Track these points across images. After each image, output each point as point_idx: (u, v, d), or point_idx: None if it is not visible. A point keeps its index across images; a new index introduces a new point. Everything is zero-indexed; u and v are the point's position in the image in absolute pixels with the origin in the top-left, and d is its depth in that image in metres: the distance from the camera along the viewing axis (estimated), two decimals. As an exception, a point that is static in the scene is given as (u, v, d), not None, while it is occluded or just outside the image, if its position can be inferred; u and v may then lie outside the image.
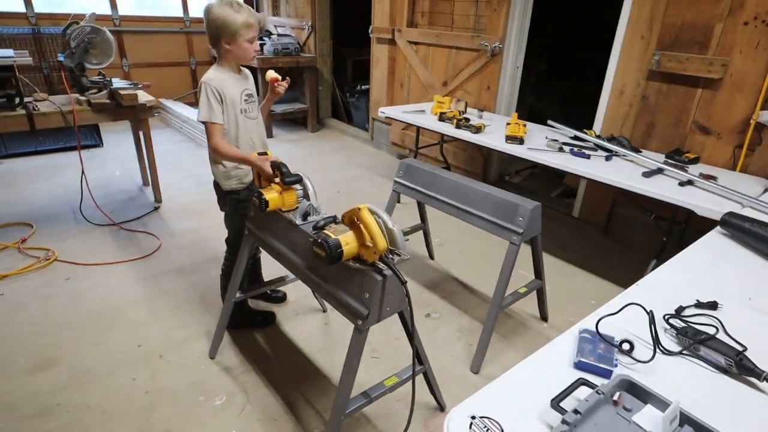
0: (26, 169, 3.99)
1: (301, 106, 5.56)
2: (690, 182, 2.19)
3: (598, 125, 3.11)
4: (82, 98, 2.99)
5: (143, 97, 3.01)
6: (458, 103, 3.46)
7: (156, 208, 3.33)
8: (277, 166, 1.61)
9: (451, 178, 2.14)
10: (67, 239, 2.87)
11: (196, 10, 6.03)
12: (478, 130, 2.91)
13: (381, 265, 1.28)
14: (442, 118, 3.18)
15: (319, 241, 1.27)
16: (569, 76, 5.82)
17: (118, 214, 3.23)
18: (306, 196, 1.63)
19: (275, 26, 6.08)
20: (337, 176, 4.15)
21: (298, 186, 1.63)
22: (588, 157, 2.52)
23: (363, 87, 5.38)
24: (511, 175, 4.34)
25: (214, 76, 1.80)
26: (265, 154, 1.71)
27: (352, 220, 1.30)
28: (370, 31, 4.60)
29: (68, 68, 3.00)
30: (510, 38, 3.43)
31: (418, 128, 3.48)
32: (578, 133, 2.86)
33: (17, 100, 2.80)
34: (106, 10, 5.41)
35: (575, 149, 2.61)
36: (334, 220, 1.39)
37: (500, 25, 3.38)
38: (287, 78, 1.98)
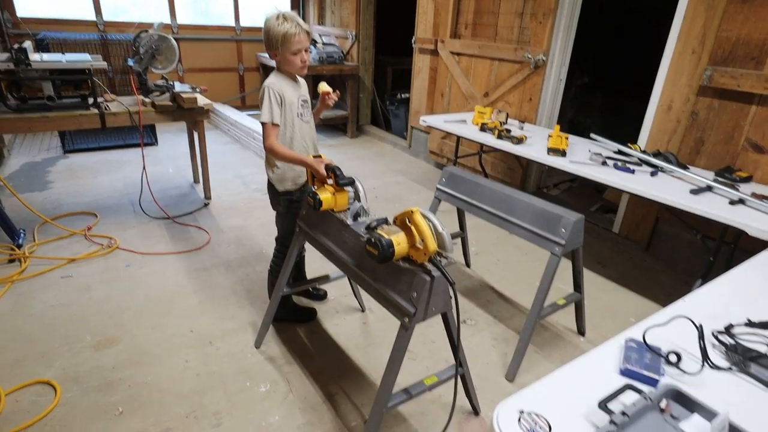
0: (90, 164, 4.30)
1: (342, 112, 5.72)
2: (741, 201, 2.16)
3: (643, 140, 3.08)
4: (147, 100, 3.22)
5: (201, 100, 3.21)
6: (499, 114, 3.50)
7: (206, 205, 3.53)
8: (331, 168, 1.71)
9: (494, 187, 2.19)
10: (127, 229, 3.09)
11: (247, 20, 6.32)
12: (519, 141, 2.94)
13: (429, 266, 1.35)
14: (483, 128, 3.23)
15: (373, 240, 1.35)
16: (611, 89, 5.75)
17: (172, 208, 3.43)
18: (357, 198, 1.73)
19: (320, 35, 6.29)
20: (376, 182, 4.26)
21: (350, 188, 1.72)
22: (632, 171, 2.51)
23: (403, 95, 5.49)
24: (548, 187, 4.32)
25: (274, 80, 1.94)
26: (320, 156, 1.82)
27: (404, 222, 1.38)
28: (413, 42, 4.71)
29: (136, 72, 3.24)
30: (554, 51, 3.45)
31: (459, 138, 3.54)
32: (622, 148, 2.84)
33: (91, 100, 3.05)
34: (166, 18, 5.76)
35: (619, 163, 2.61)
36: (385, 221, 1.47)
37: (545, 37, 3.40)
38: (337, 91, 2.08)
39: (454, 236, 2.74)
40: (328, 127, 6.00)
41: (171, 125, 5.43)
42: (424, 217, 1.35)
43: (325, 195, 1.67)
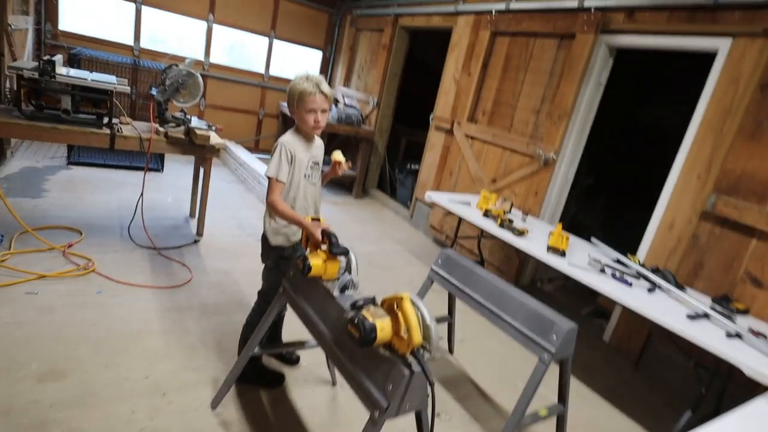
0: (91, 179, 4.27)
1: (351, 173, 5.79)
2: (738, 335, 2.09)
3: (642, 252, 3.07)
4: (161, 129, 3.25)
5: (214, 138, 3.24)
6: (504, 203, 3.52)
7: (196, 242, 3.45)
8: (327, 234, 1.66)
9: (489, 278, 2.13)
10: (109, 253, 2.99)
11: (276, 70, 6.60)
12: (521, 233, 2.93)
13: (411, 359, 1.26)
14: (487, 214, 3.23)
15: (356, 321, 1.27)
16: (615, 193, 5.88)
17: (161, 239, 3.35)
18: (348, 269, 1.66)
19: (343, 96, 6.53)
20: (372, 247, 4.21)
21: (342, 258, 1.66)
22: (630, 284, 2.47)
23: (412, 166, 5.59)
24: (542, 281, 4.26)
25: (289, 139, 1.95)
26: (318, 220, 1.78)
27: (391, 307, 1.30)
28: (431, 118, 4.86)
29: (157, 101, 3.29)
30: (565, 151, 3.54)
31: (461, 219, 3.53)
32: (621, 257, 2.82)
33: (105, 120, 3.07)
34: (200, 56, 6.00)
35: (617, 273, 2.57)
36: (373, 301, 1.40)
37: (557, 137, 3.51)
38: (349, 162, 2.10)
39: (440, 320, 2.64)
40: (335, 184, 6.05)
41: (182, 156, 5.48)
42: (414, 305, 1.28)
43: (316, 261, 1.61)
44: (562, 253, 2.71)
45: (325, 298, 1.59)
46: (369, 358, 1.34)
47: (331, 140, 6.05)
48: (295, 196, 1.97)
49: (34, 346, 2.05)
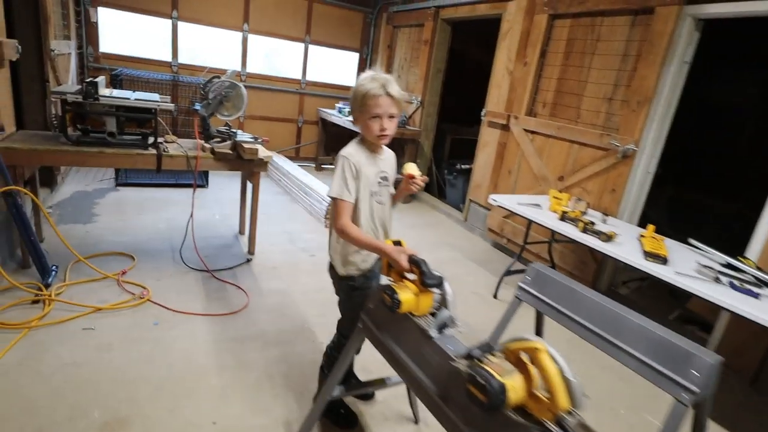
0: (137, 199, 4.20)
1: (397, 176, 5.53)
2: None
3: (753, 253, 2.65)
4: (207, 145, 3.10)
5: (262, 152, 3.05)
6: (578, 203, 3.17)
7: (248, 261, 3.28)
8: (415, 261, 1.40)
9: (595, 298, 1.81)
10: (162, 278, 2.85)
11: (313, 75, 6.43)
12: (608, 238, 2.58)
13: (553, 428, 0.98)
14: (564, 217, 2.89)
15: (479, 379, 1.00)
16: (685, 181, 5.36)
17: (212, 260, 3.20)
18: (443, 303, 1.40)
19: (383, 97, 6.28)
20: (429, 256, 3.87)
21: (436, 289, 1.40)
22: (756, 296, 2.08)
23: (463, 166, 5.28)
24: (617, 285, 3.86)
25: (353, 151, 1.69)
26: (399, 243, 1.53)
27: (519, 359, 1.03)
28: (482, 114, 4.54)
29: (201, 116, 3.15)
30: (645, 142, 3.15)
31: (530, 222, 3.20)
32: (733, 261, 2.43)
33: (151, 139, 2.95)
34: (237, 66, 5.91)
35: (736, 282, 2.19)
36: (490, 349, 1.13)
37: (637, 127, 3.12)
38: (425, 176, 1.78)
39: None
40: (378, 187, 5.81)
41: (223, 168, 5.40)
42: (553, 359, 1.00)
43: (407, 295, 1.35)
44: (664, 260, 2.35)
45: (421, 340, 1.34)
46: (494, 423, 1.07)
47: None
48: (359, 217, 1.70)
49: (95, 389, 1.90)
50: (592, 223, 2.76)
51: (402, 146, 5.55)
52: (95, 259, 2.95)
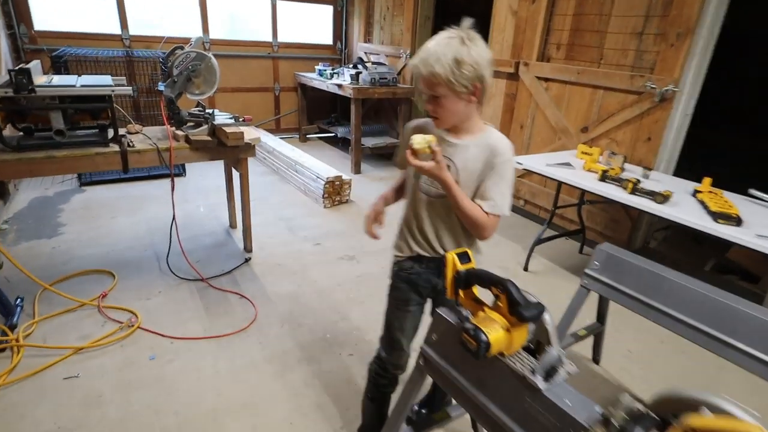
0: (108, 200, 3.70)
1: (393, 140, 5.08)
2: None
3: (821, 199, 2.35)
4: (180, 133, 2.60)
5: (248, 134, 2.58)
6: (613, 158, 2.81)
7: (247, 260, 2.87)
8: (499, 282, 1.03)
9: (690, 285, 1.48)
10: (151, 297, 2.44)
11: (285, 36, 5.77)
12: (664, 199, 2.24)
13: None
14: (605, 177, 2.53)
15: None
16: (722, 124, 4.92)
17: (206, 264, 2.79)
18: (542, 335, 1.04)
19: (366, 53, 5.71)
20: (444, 229, 3.56)
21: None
22: None
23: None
24: (649, 240, 3.59)
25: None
26: (468, 258, 1.14)
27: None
28: (484, 64, 4.05)
29: (167, 99, 2.63)
30: (685, 80, 2.76)
31: (560, 184, 2.84)
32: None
33: (110, 132, 2.44)
34: (197, 33, 5.22)
35: (827, 240, 1.88)
36: (652, 421, 0.78)
37: (677, 63, 2.72)
38: (436, 147, 1.22)
39: (590, 331, 2.01)
40: (374, 156, 5.36)
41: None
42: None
43: (497, 334, 0.98)
44: (737, 221, 2.02)
45: (521, 390, 0.98)
46: None
47: (370, 109, 5.32)
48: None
49: (88, 460, 1.54)
50: (639, 181, 2.41)
51: (394, 108, 5.06)
52: (68, 282, 2.51)
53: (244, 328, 2.23)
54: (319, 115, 6.13)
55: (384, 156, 5.41)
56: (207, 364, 1.98)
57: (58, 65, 3.82)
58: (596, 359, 2.17)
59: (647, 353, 2.27)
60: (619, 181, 2.46)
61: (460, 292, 1.14)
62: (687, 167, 3.09)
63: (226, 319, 2.30)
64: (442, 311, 1.19)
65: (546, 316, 1.04)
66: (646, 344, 2.33)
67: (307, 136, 6.09)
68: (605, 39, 3.12)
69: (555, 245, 3.28)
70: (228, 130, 2.48)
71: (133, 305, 2.35)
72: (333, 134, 5.83)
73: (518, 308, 0.97)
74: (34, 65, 2.24)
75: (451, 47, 1.16)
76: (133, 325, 2.18)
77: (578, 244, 3.39)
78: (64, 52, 4.04)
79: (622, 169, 2.70)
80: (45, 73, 3.15)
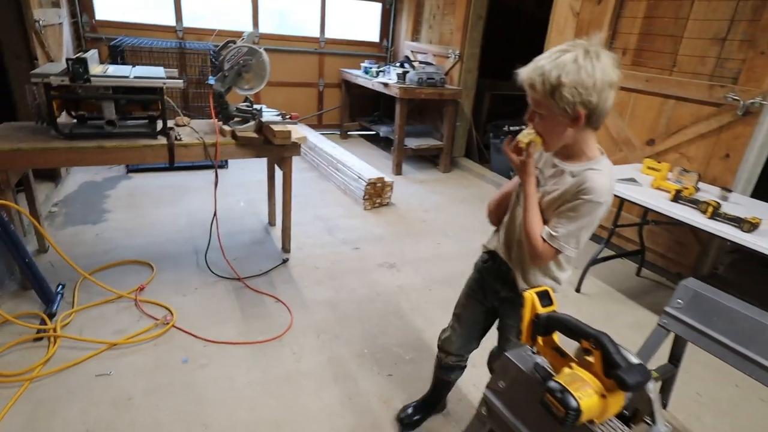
0: (152, 189, 3.72)
1: (436, 142, 4.92)
2: None
3: None
4: (226, 128, 2.55)
5: (295, 133, 2.49)
6: (686, 175, 2.55)
7: (284, 261, 2.79)
8: (596, 340, 0.87)
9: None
10: (187, 293, 2.40)
11: (333, 32, 5.70)
12: (753, 227, 1.99)
13: None
14: (678, 198, 2.29)
15: None
16: None
17: (243, 262, 2.73)
18: (646, 409, 0.87)
19: (412, 52, 5.56)
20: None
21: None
22: None
23: (511, 128, 4.60)
24: (718, 267, 3.28)
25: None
26: (548, 298, 0.99)
27: None
28: (541, 67, 3.83)
29: (217, 93, 2.58)
30: (775, 93, 2.47)
31: (623, 202, 2.61)
32: None
33: (159, 124, 2.41)
34: (248, 27, 5.23)
35: None
36: None
37: (767, 74, 2.43)
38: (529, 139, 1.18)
39: (663, 373, 1.80)
40: (415, 157, 5.22)
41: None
42: None
43: (589, 399, 0.82)
44: (842, 258, 1.76)
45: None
46: None
47: (413, 109, 5.17)
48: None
49: (115, 466, 1.48)
50: (718, 205, 2.16)
51: (440, 109, 4.89)
52: (109, 272, 2.51)
53: (279, 336, 2.15)
54: (361, 112, 6.04)
55: (426, 158, 5.26)
56: (240, 373, 1.91)
57: (115, 54, 3.88)
58: (665, 403, 1.95)
59: (720, 398, 2.03)
60: (695, 203, 2.22)
61: (539, 339, 0.99)
62: (766, 189, 2.80)
63: (261, 323, 2.23)
64: (512, 356, 1.04)
65: (651, 384, 0.88)
66: (719, 387, 2.09)
67: (348, 133, 6.01)
68: (680, 44, 2.85)
69: (609, 266, 3.04)
70: (275, 128, 2.41)
71: (170, 300, 2.31)
72: (374, 132, 5.72)
73: (618, 373, 0.81)
74: (91, 55, 2.24)
75: (562, 63, 1.04)
76: (168, 323, 2.13)
77: (635, 265, 3.13)
78: (122, 41, 4.11)
79: (696, 189, 2.45)
80: (102, 62, 3.19)
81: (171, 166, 2.38)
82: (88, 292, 2.31)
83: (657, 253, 3.06)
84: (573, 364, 0.92)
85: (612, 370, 0.84)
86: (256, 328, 2.18)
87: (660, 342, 1.58)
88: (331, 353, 2.07)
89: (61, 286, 2.26)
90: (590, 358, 0.92)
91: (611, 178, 1.11)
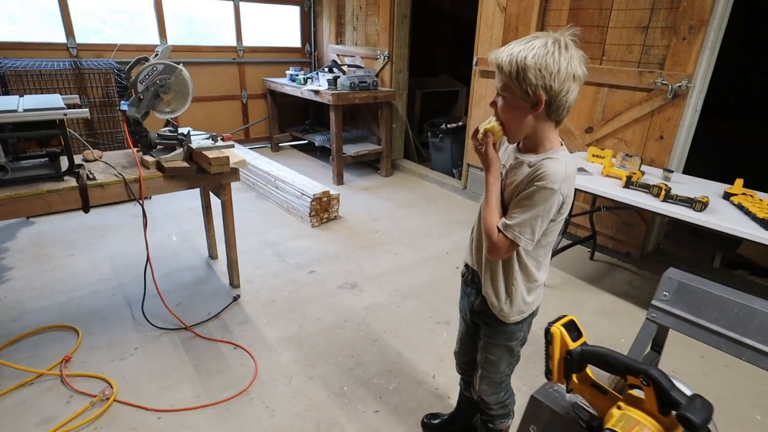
0: (61, 233, 3.22)
1: (375, 147, 4.78)
2: None
3: None
4: (149, 158, 2.21)
5: (233, 157, 2.22)
6: (629, 160, 2.63)
7: (236, 299, 2.51)
8: (647, 376, 0.76)
9: (788, 318, 1.28)
10: (126, 356, 2.05)
11: (251, 40, 5.35)
12: (703, 206, 2.06)
13: None
14: (629, 184, 2.34)
15: None
16: (731, 118, 4.74)
17: (187, 307, 2.41)
18: (707, 440, 0.78)
19: (338, 55, 5.38)
20: (447, 243, 3.31)
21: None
22: None
23: (449, 126, 4.60)
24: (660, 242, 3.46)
25: None
26: (577, 329, 0.88)
27: None
28: (474, 63, 3.83)
29: (132, 119, 2.23)
30: (697, 75, 2.61)
31: (576, 191, 2.63)
32: None
33: (65, 164, 2.03)
34: (154, 39, 4.74)
35: None
36: None
37: (690, 58, 2.57)
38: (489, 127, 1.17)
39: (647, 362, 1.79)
40: (355, 164, 5.05)
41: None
42: None
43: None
44: (792, 229, 1.86)
45: None
46: None
47: (346, 114, 5.00)
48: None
49: None
50: (669, 188, 2.22)
51: (373, 112, 4.77)
52: (20, 345, 2.08)
53: (245, 389, 1.89)
54: (290, 122, 5.76)
55: (366, 164, 5.11)
56: (206, 444, 1.64)
57: (-6, 82, 3.30)
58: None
59: (691, 372, 2.09)
60: (647, 188, 2.27)
61: (573, 377, 0.88)
62: (696, 164, 2.98)
63: (222, 378, 1.95)
64: (541, 396, 0.92)
65: (712, 427, 0.79)
66: (688, 360, 2.15)
67: (280, 145, 5.70)
68: (606, 34, 2.94)
69: (565, 254, 3.09)
70: (209, 154, 2.12)
71: (105, 369, 1.95)
72: (307, 142, 5.47)
73: (684, 413, 0.71)
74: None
75: (531, 47, 1.04)
76: (108, 398, 1.79)
77: (587, 250, 3.22)
78: (2, 64, 3.51)
79: (642, 173, 2.52)
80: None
81: (86, 212, 2.00)
82: (0, 375, 1.89)
83: (606, 236, 3.16)
84: (621, 404, 0.82)
85: (672, 408, 0.75)
86: (216, 385, 1.91)
87: (651, 336, 1.57)
88: (308, 399, 1.85)
89: (-42, 375, 1.83)
90: (635, 392, 0.82)
91: (567, 167, 1.09)
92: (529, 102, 1.06)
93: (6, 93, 3.40)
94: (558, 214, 1.12)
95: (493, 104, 1.13)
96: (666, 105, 2.71)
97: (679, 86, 2.61)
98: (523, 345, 1.35)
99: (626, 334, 2.31)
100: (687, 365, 2.14)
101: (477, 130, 1.15)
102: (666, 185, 2.22)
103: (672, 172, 2.51)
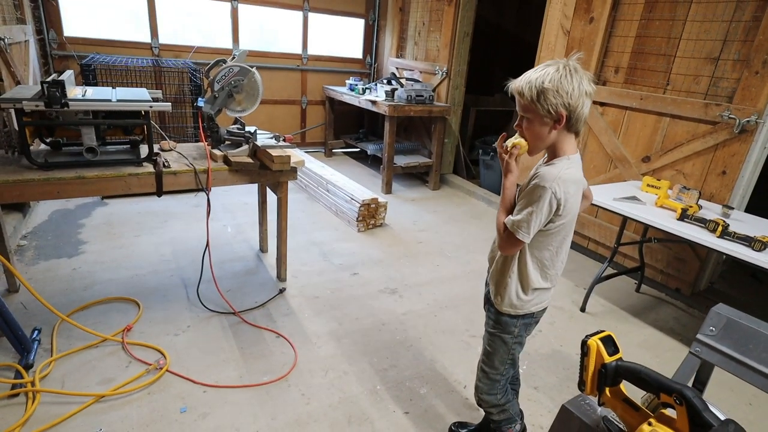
0: (130, 215, 3.50)
1: (425, 160, 4.86)
2: None
3: None
4: (218, 152, 2.40)
5: (294, 157, 2.37)
6: (686, 193, 2.55)
7: (281, 291, 2.64)
8: (680, 396, 0.78)
9: None
10: (180, 332, 2.22)
11: (315, 49, 5.62)
12: (763, 246, 1.98)
13: None
14: (684, 216, 2.28)
15: None
16: None
17: (237, 294, 2.57)
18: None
19: (397, 68, 5.53)
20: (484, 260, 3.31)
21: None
22: None
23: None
24: (715, 280, 3.30)
25: None
26: (613, 345, 0.90)
27: None
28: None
29: (207, 116, 2.43)
30: (768, 111, 2.51)
31: (625, 220, 2.59)
32: None
33: (144, 151, 2.25)
34: (227, 43, 5.08)
35: None
36: None
37: (762, 93, 2.47)
38: (513, 143, 1.34)
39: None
40: (404, 175, 5.15)
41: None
42: None
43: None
44: None
45: None
46: None
47: (399, 126, 5.12)
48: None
49: None
50: (727, 224, 2.15)
51: (427, 126, 4.86)
52: (90, 311, 2.30)
53: (284, 376, 1.99)
54: (345, 129, 5.96)
55: (414, 176, 5.20)
56: (246, 421, 1.74)
57: (87, 73, 3.66)
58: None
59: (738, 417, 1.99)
60: (703, 222, 2.21)
61: (606, 390, 0.90)
62: (758, 204, 2.85)
63: (263, 362, 2.07)
64: (572, 407, 0.95)
65: None
66: (733, 404, 2.05)
67: (333, 150, 5.90)
68: (673, 63, 2.89)
69: (610, 284, 3.02)
70: (273, 152, 2.28)
71: (161, 341, 2.12)
72: (359, 150, 5.63)
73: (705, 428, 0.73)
74: (68, 76, 2.07)
75: (546, 73, 1.19)
76: (161, 368, 1.95)
77: (634, 282, 3.12)
78: (93, 59, 3.90)
79: (699, 207, 2.45)
80: (75, 84, 2.99)
81: (159, 196, 2.20)
82: (68, 337, 2.10)
83: (656, 269, 3.06)
84: (652, 420, 0.84)
85: (703, 430, 0.76)
86: (258, 368, 2.03)
87: (693, 371, 1.52)
88: (342, 393, 1.93)
89: (36, 332, 2.05)
90: (668, 411, 0.83)
91: (561, 171, 1.21)
92: (552, 119, 1.21)
93: (95, 84, 3.77)
94: (556, 215, 1.23)
95: (518, 126, 1.28)
96: (732, 139, 2.61)
97: (748, 121, 2.52)
98: (521, 346, 1.46)
99: (667, 371, 2.22)
100: (733, 412, 2.04)
101: (504, 137, 1.32)
102: (724, 221, 2.15)
103: (732, 209, 2.42)
